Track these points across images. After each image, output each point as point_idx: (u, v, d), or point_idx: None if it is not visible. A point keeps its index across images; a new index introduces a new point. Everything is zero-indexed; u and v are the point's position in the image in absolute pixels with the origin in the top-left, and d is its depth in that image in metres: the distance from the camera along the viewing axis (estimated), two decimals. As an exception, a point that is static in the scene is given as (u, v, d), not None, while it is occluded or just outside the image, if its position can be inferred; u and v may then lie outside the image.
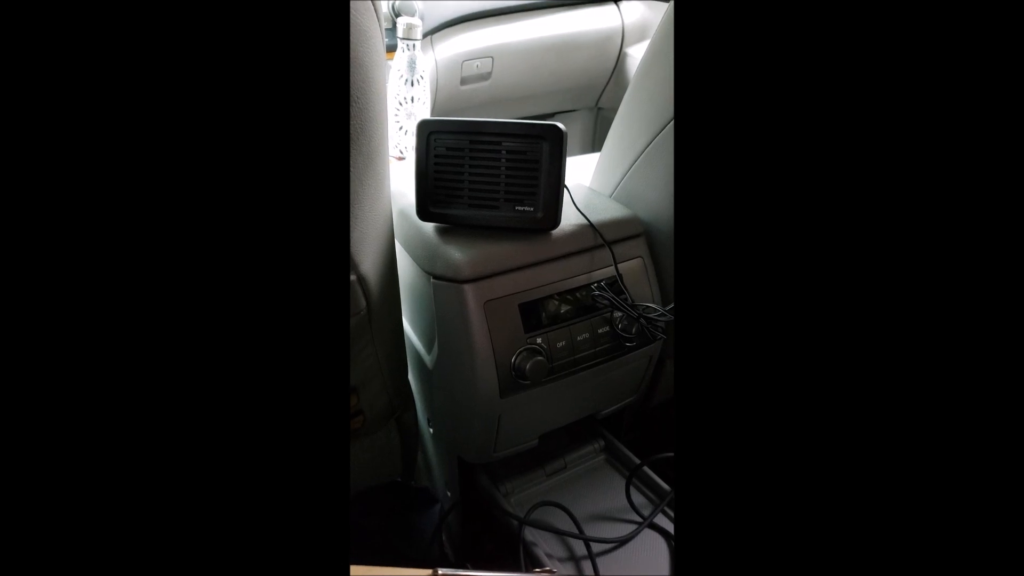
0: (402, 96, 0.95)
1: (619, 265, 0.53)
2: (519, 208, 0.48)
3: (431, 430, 0.64)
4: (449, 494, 0.65)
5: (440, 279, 0.49)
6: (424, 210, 0.49)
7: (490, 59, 1.23)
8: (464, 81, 1.24)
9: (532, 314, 0.49)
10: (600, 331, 0.53)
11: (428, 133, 0.47)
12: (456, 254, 0.47)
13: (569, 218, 0.52)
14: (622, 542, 0.56)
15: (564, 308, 0.51)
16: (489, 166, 0.47)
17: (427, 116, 1.00)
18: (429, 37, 1.16)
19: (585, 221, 0.52)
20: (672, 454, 0.60)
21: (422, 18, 1.12)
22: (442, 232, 0.51)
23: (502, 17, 1.23)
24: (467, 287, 0.47)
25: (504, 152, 0.46)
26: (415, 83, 0.95)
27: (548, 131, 0.45)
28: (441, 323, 0.50)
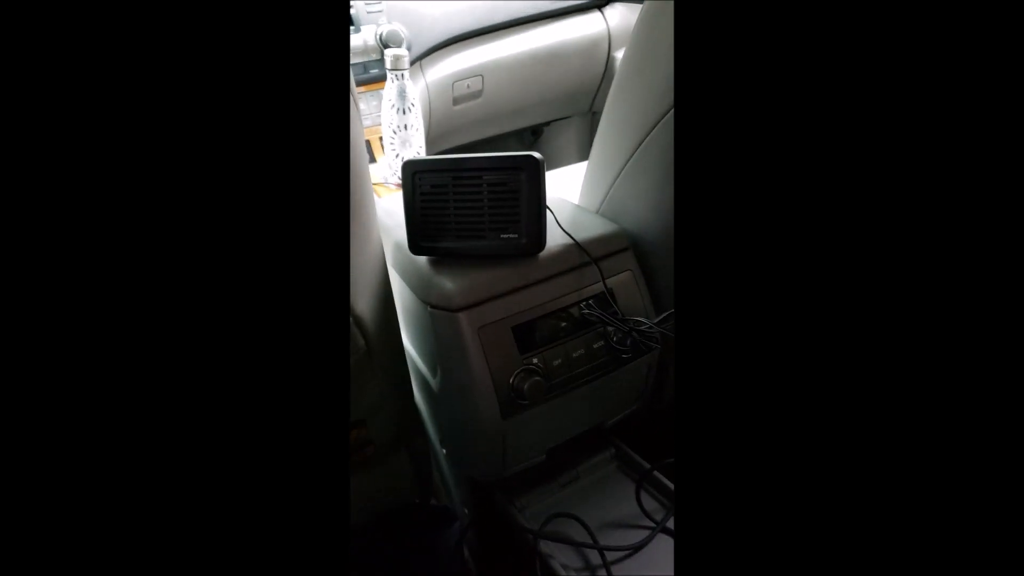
0: (395, 125, 0.98)
1: (609, 279, 0.55)
2: (504, 236, 0.49)
3: (443, 451, 0.66)
4: (467, 511, 0.67)
5: (436, 308, 0.51)
6: (415, 245, 0.52)
7: (480, 77, 1.26)
8: (456, 101, 1.26)
9: (526, 335, 0.51)
10: (595, 346, 0.54)
11: (412, 173, 0.49)
12: (448, 284, 0.49)
13: (555, 239, 0.54)
14: (636, 548, 0.57)
15: (558, 327, 0.53)
16: (472, 199, 0.49)
17: (421, 141, 1.02)
18: (419, 63, 1.18)
19: (571, 240, 0.54)
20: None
21: (410, 46, 1.15)
22: (435, 263, 0.53)
23: (489, 35, 1.25)
24: (461, 315, 0.49)
25: (485, 185, 0.48)
26: (406, 111, 0.97)
27: (525, 161, 0.47)
28: (440, 350, 0.53)
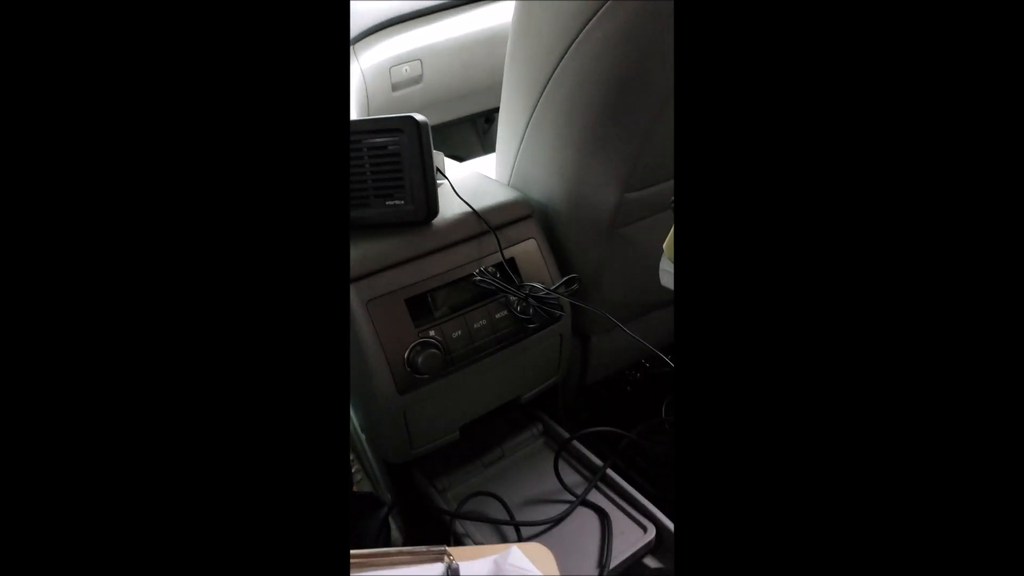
0: (322, 109, 0.95)
1: (512, 248, 0.53)
2: (390, 203, 0.48)
3: (363, 435, 0.64)
4: (390, 496, 0.65)
5: (327, 284, 0.49)
6: (301, 217, 0.49)
7: (419, 62, 1.23)
8: (395, 87, 1.24)
9: (421, 307, 0.49)
10: (498, 316, 0.53)
11: (290, 141, 0.47)
12: None
13: (453, 208, 0.52)
14: (555, 522, 0.56)
15: (456, 298, 0.51)
16: (353, 164, 0.47)
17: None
18: (352, 47, 1.16)
19: (469, 209, 0.52)
20: (604, 428, 0.60)
21: (339, 29, 1.12)
22: (325, 237, 0.51)
23: (426, 19, 1.23)
24: (348, 288, 0.47)
25: (365, 149, 0.46)
26: (333, 94, 0.95)
27: (405, 123, 0.45)
28: (336, 327, 0.51)
